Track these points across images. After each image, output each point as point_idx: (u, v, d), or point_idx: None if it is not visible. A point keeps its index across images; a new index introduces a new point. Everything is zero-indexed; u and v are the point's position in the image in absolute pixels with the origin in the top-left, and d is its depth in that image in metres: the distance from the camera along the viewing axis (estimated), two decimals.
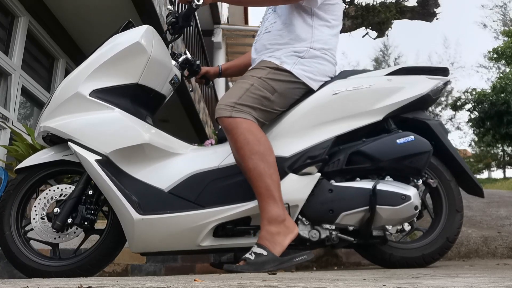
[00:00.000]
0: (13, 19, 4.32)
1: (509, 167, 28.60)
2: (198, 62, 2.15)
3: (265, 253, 1.57)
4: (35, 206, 1.79)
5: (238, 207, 1.71)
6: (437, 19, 5.30)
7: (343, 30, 5.20)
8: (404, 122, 1.90)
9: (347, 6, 5.32)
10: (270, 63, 1.82)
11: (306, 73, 1.81)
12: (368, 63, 29.55)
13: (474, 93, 18.24)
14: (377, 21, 5.21)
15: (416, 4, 5.36)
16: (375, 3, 5.32)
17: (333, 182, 1.79)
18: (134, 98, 1.83)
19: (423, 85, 1.89)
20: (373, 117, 1.84)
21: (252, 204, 1.70)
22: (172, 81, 1.96)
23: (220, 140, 1.95)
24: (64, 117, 1.77)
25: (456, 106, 20.28)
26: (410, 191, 1.76)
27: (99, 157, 1.72)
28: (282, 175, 1.72)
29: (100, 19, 4.70)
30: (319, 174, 1.77)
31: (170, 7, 1.81)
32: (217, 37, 9.64)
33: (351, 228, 1.76)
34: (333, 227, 1.75)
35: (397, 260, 1.88)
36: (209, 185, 1.76)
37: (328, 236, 1.75)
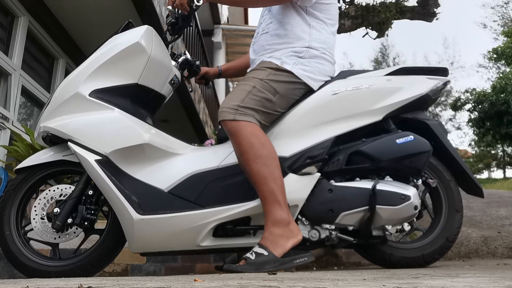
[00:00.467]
0: (13, 19, 4.32)
1: (509, 167, 28.62)
2: (197, 62, 2.16)
3: (265, 253, 1.57)
4: (35, 206, 1.79)
5: (238, 207, 1.71)
6: (437, 19, 5.31)
7: (343, 30, 5.20)
8: (403, 122, 1.90)
9: (347, 6, 5.32)
10: (271, 64, 1.82)
11: (306, 73, 1.81)
12: (368, 63, 29.54)
13: (474, 93, 18.25)
14: (377, 21, 5.22)
15: (416, 4, 5.36)
16: (375, 3, 5.32)
17: (332, 182, 1.79)
18: (134, 98, 1.83)
19: (422, 85, 1.90)
20: (372, 117, 1.84)
21: (252, 204, 1.71)
22: (172, 82, 1.96)
23: (220, 140, 1.95)
24: (64, 117, 1.77)
25: (456, 106, 20.28)
26: (409, 191, 1.76)
27: (99, 157, 1.72)
28: (282, 175, 1.72)
29: (100, 19, 4.70)
30: (318, 174, 1.77)
31: (169, 7, 1.81)
32: (217, 37, 9.64)
33: (351, 228, 1.76)
34: (333, 227, 1.75)
35: (397, 260, 1.88)
36: (209, 185, 1.76)
37: (328, 236, 1.75)
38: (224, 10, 11.46)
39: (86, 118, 1.76)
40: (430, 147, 1.82)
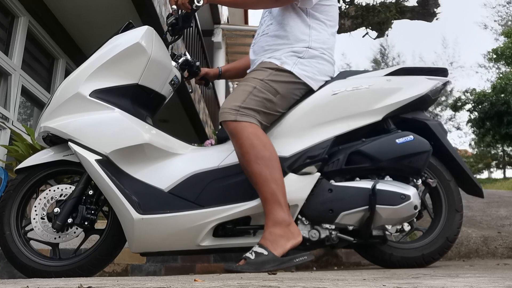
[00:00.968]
0: (13, 19, 4.32)
1: (509, 167, 28.62)
2: (198, 63, 2.16)
3: (265, 253, 1.57)
4: (35, 206, 1.79)
5: (238, 207, 1.71)
6: (437, 19, 5.31)
7: (343, 30, 5.20)
8: (403, 122, 1.90)
9: (347, 6, 5.33)
10: (271, 64, 1.82)
11: (306, 73, 1.82)
12: (367, 63, 29.54)
13: (474, 93, 18.26)
14: (377, 21, 5.22)
15: (416, 4, 5.37)
16: (375, 3, 5.33)
17: (332, 182, 1.79)
18: (134, 99, 1.84)
19: (422, 85, 1.90)
20: (372, 117, 1.84)
21: (252, 203, 1.71)
22: (172, 82, 1.96)
23: (220, 140, 1.95)
24: (64, 117, 1.77)
25: (456, 107, 20.28)
26: (409, 190, 1.76)
27: (99, 157, 1.72)
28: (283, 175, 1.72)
29: (100, 19, 4.70)
30: (318, 174, 1.77)
31: (174, 6, 1.80)
32: (217, 37, 9.64)
33: (350, 228, 1.76)
34: (333, 227, 1.75)
35: (397, 260, 1.88)
36: (209, 185, 1.77)
37: (328, 236, 1.75)
38: (224, 10, 11.46)
39: (86, 118, 1.76)
40: (430, 147, 1.82)
